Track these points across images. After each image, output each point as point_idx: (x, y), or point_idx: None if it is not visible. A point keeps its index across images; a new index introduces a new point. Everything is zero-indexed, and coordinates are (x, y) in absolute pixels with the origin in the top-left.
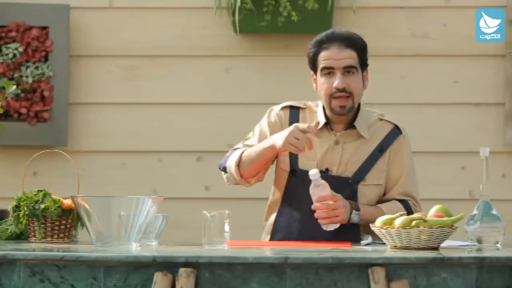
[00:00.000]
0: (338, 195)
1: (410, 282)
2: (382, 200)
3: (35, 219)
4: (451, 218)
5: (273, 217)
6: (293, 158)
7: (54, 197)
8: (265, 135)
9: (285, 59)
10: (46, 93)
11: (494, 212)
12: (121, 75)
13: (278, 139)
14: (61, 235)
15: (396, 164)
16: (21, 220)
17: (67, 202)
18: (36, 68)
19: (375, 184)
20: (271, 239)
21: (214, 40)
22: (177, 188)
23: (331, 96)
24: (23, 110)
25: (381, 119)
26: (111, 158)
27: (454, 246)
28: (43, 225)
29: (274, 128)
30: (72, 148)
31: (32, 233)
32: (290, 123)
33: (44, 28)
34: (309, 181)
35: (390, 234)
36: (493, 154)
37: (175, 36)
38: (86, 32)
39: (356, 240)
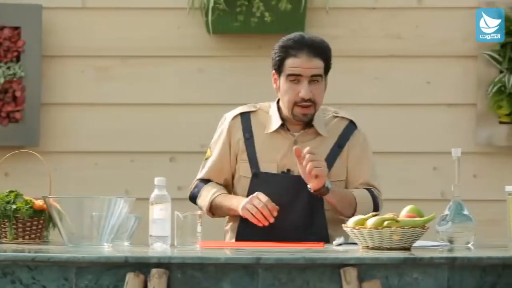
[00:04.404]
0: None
1: (382, 282)
2: None
3: (6, 220)
4: (423, 218)
5: (236, 220)
6: (253, 163)
7: (26, 197)
8: (225, 150)
9: (258, 59)
10: (18, 94)
11: (465, 212)
12: (93, 76)
13: (240, 204)
14: (33, 235)
15: (355, 158)
16: None
17: (39, 202)
18: (8, 68)
19: (337, 180)
20: (237, 240)
21: (186, 41)
22: (150, 189)
23: (295, 104)
24: None
25: (336, 116)
26: (83, 158)
27: (425, 246)
28: (14, 226)
29: (229, 139)
30: (44, 149)
31: (3, 234)
32: (244, 129)
33: (16, 28)
34: (271, 182)
35: (362, 234)
36: (465, 155)
37: (148, 37)
38: (59, 32)
39: (326, 237)
